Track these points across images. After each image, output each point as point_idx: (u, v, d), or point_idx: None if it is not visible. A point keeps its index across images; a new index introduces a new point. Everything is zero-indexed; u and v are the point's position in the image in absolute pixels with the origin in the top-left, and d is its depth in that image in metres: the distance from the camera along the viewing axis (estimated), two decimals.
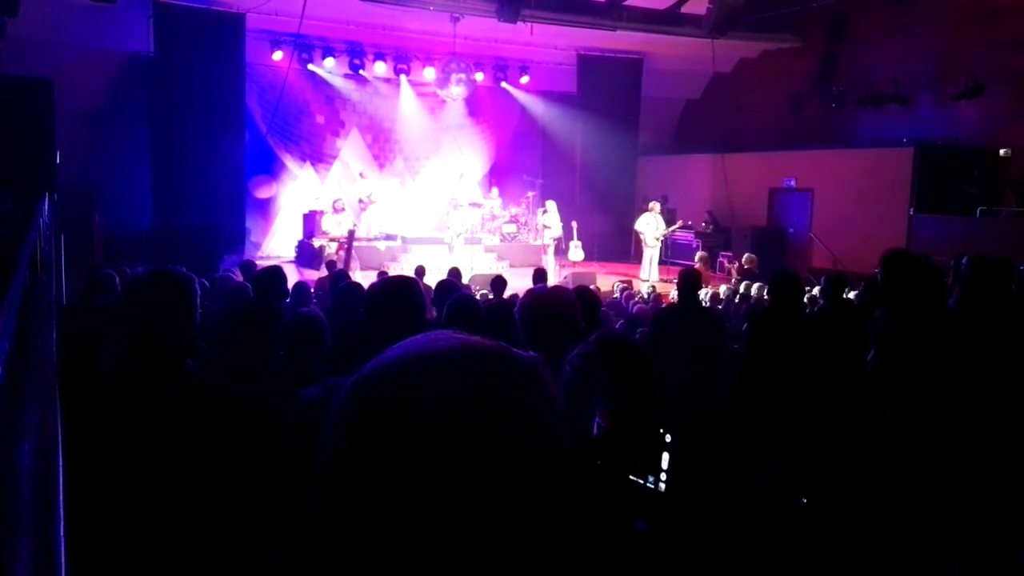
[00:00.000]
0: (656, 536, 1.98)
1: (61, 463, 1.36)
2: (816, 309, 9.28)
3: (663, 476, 1.93)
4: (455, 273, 11.83)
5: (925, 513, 2.25)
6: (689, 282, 7.25)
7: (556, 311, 3.26)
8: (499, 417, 0.86)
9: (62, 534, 1.11)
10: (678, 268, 18.64)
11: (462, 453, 0.83)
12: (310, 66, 19.71)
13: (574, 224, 19.59)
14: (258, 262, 13.08)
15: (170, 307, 2.67)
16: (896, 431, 2.41)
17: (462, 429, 0.84)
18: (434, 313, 6.20)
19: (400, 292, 3.37)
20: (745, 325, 6.73)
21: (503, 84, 21.82)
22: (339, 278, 8.54)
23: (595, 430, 2.02)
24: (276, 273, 6.27)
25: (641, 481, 1.96)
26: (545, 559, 0.87)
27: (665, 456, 1.93)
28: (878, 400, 2.52)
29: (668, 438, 1.93)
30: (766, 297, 10.92)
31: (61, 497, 1.22)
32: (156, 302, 2.66)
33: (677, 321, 6.92)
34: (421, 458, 0.83)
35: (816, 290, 12.14)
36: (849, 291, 12.68)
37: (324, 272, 13.25)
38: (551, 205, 19.12)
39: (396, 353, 0.94)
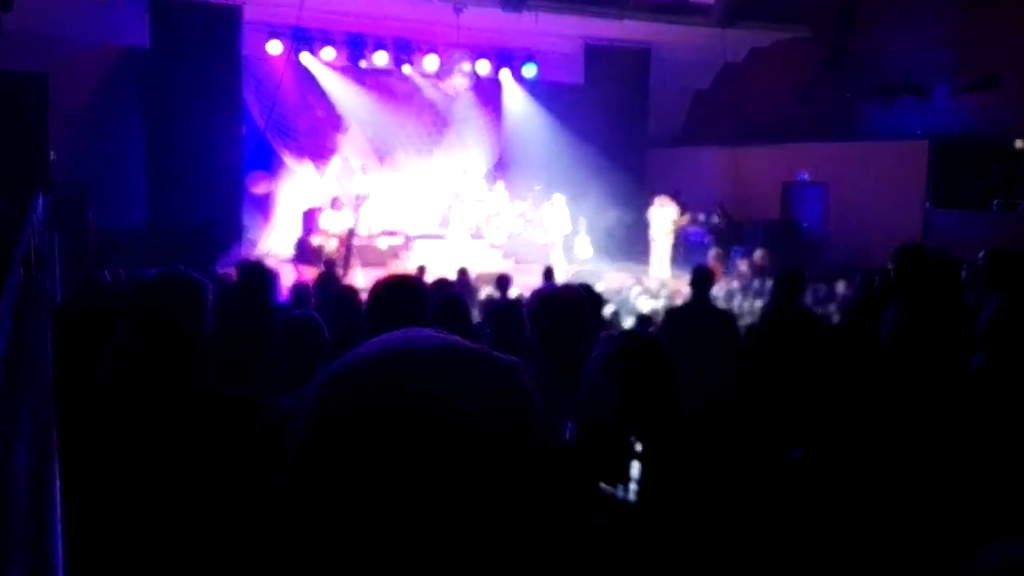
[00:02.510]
0: (624, 543, 1.97)
1: (57, 464, 1.37)
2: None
3: (632, 487, 1.93)
4: (463, 272, 11.75)
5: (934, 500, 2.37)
6: (702, 280, 7.37)
7: (566, 310, 3.30)
8: (467, 418, 0.87)
9: (59, 535, 1.12)
10: (690, 265, 18.47)
11: (427, 451, 0.84)
12: (308, 58, 19.49)
13: (582, 219, 19.54)
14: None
15: (181, 312, 2.70)
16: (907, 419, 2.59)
17: (428, 427, 0.85)
18: None
19: (403, 289, 3.41)
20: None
21: (507, 75, 21.59)
22: (328, 280, 8.49)
23: (567, 436, 2.07)
24: (260, 268, 6.29)
25: (612, 490, 1.95)
26: (505, 557, 0.87)
27: (635, 465, 1.93)
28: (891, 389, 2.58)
29: (638, 447, 1.93)
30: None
31: (58, 498, 1.23)
32: (166, 306, 2.70)
33: (689, 319, 7.11)
34: (384, 453, 0.84)
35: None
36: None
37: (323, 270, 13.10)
38: (558, 199, 18.97)
39: (372, 348, 0.95)
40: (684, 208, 19.19)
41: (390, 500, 0.82)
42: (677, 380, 2.48)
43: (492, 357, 0.94)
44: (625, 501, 1.94)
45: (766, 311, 8.04)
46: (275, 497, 0.91)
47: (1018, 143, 16.62)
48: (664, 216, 18.36)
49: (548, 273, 11.28)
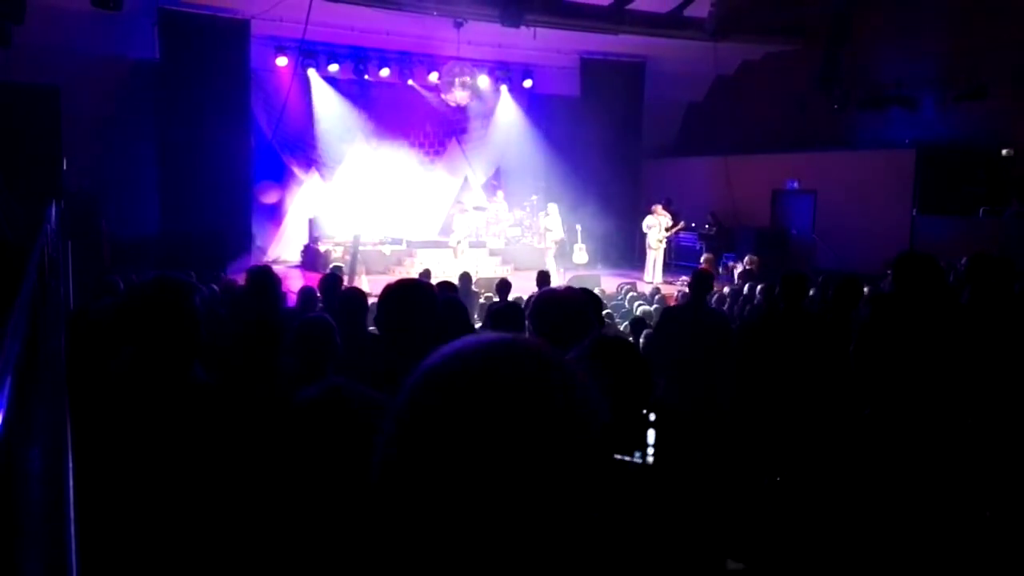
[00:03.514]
0: (645, 506, 2.05)
1: (71, 465, 1.37)
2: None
3: (650, 451, 2.02)
4: (465, 278, 11.90)
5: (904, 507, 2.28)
6: (700, 282, 7.33)
7: (569, 313, 3.23)
8: (552, 406, 0.92)
9: (72, 535, 1.12)
10: (683, 271, 18.76)
11: (516, 435, 0.89)
12: (314, 71, 19.79)
13: (578, 227, 19.72)
14: None
15: (171, 315, 2.69)
16: (876, 427, 2.44)
17: (519, 416, 0.89)
18: None
19: (414, 293, 3.43)
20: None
21: (506, 88, 21.88)
22: (333, 283, 8.56)
23: None
24: (267, 273, 6.39)
25: (628, 458, 2.04)
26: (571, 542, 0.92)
27: (651, 432, 2.01)
28: (859, 394, 2.54)
29: (652, 417, 2.02)
30: (758, 296, 11.00)
31: (71, 498, 1.23)
32: (157, 310, 2.69)
33: (685, 321, 7.03)
34: (477, 440, 0.88)
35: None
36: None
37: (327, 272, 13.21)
38: (552, 208, 19.24)
39: (457, 348, 0.99)
40: (676, 216, 19.43)
41: (483, 485, 0.87)
42: (650, 380, 2.46)
43: (556, 355, 1.01)
44: (644, 464, 2.02)
45: (770, 310, 7.90)
46: (367, 491, 0.94)
47: (1004, 151, 16.70)
48: (658, 224, 18.65)
49: (543, 278, 11.31)
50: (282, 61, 18.96)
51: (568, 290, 3.82)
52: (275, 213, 20.73)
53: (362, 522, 1.90)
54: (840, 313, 6.00)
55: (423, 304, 3.35)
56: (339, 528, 1.88)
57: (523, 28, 17.05)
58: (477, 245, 19.34)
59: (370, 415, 2.00)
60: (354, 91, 20.75)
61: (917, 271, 5.14)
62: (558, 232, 19.03)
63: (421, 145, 22.23)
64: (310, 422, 1.98)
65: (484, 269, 17.73)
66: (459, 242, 18.53)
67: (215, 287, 10.28)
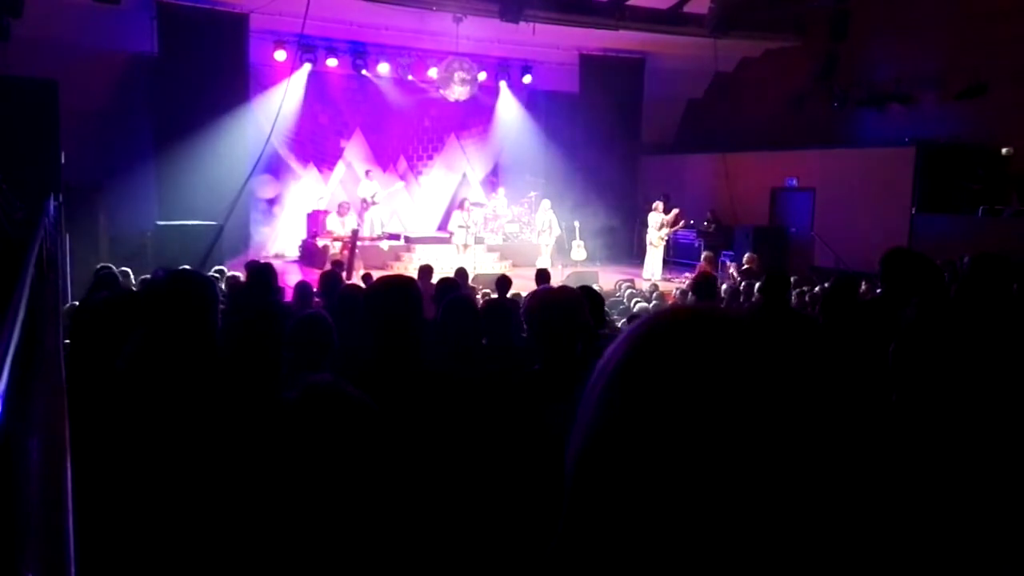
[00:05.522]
0: None
1: (69, 458, 1.35)
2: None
3: None
4: (462, 273, 11.88)
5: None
6: (704, 286, 7.58)
7: (563, 310, 3.22)
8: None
9: (71, 530, 1.11)
10: (681, 268, 18.78)
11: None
12: (313, 66, 19.72)
13: (576, 224, 19.70)
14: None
15: (190, 310, 2.73)
16: (905, 419, 2.43)
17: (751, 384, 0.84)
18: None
19: (399, 291, 3.37)
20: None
21: (505, 84, 21.87)
22: (333, 279, 8.53)
23: None
24: (266, 269, 6.42)
25: None
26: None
27: None
28: (891, 389, 2.52)
29: None
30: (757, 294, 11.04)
31: (70, 493, 1.21)
32: (176, 305, 2.73)
33: None
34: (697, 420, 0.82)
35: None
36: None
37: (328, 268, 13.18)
38: (545, 204, 19.27)
39: (668, 314, 0.93)
40: (676, 214, 19.41)
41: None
42: None
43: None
44: None
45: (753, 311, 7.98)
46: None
47: (1004, 150, 16.64)
48: (659, 221, 18.62)
49: (542, 275, 11.28)
50: (280, 55, 18.91)
51: (562, 289, 3.78)
52: (272, 208, 20.70)
53: (344, 520, 1.91)
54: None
55: (407, 302, 3.32)
56: (325, 525, 1.87)
57: (522, 24, 17.03)
58: (476, 241, 19.27)
59: (349, 415, 2.00)
60: (352, 86, 20.74)
61: (907, 268, 5.14)
62: (555, 228, 19.05)
63: (420, 140, 22.23)
64: (290, 422, 1.98)
65: (482, 265, 17.72)
66: (458, 237, 18.53)
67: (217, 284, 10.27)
